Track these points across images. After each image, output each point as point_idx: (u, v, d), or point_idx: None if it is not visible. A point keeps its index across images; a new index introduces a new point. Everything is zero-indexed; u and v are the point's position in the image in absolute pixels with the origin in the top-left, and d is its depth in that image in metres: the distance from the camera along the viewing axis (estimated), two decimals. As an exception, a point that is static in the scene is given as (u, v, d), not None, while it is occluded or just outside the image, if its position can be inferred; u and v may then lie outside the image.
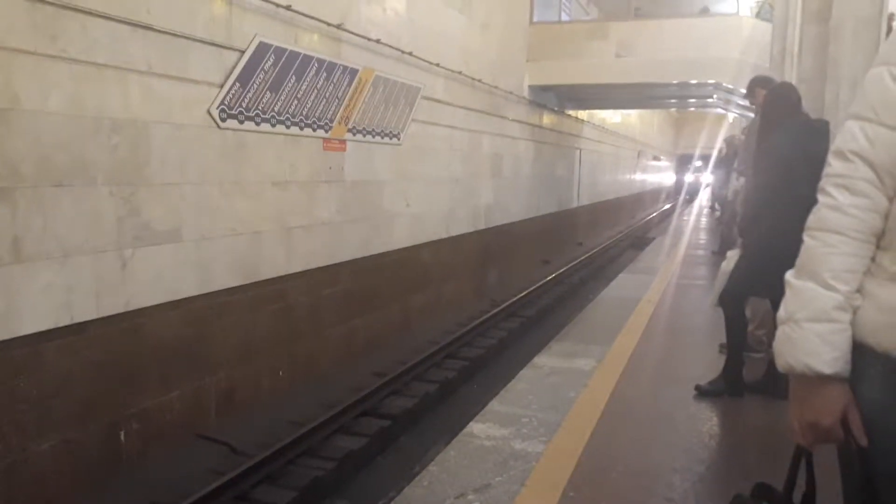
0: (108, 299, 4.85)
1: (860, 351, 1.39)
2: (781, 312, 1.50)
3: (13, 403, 4.19)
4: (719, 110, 19.89)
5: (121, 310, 4.95)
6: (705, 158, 35.25)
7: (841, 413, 1.40)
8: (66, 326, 4.52)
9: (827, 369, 1.40)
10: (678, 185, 44.18)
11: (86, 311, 4.67)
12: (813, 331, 1.42)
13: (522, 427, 3.56)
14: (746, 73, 10.44)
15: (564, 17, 16.97)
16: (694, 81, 13.93)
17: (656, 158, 38.63)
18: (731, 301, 3.99)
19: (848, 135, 1.43)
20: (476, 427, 3.55)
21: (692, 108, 23.72)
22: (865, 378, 1.37)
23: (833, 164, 1.46)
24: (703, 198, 27.92)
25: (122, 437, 4.98)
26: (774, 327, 4.23)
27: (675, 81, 14.15)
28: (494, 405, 3.88)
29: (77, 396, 4.62)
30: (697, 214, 19.99)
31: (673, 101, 19.78)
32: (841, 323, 1.40)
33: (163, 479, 4.92)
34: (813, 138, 3.74)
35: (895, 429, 1.32)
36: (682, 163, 44.79)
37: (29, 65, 4.26)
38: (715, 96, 15.91)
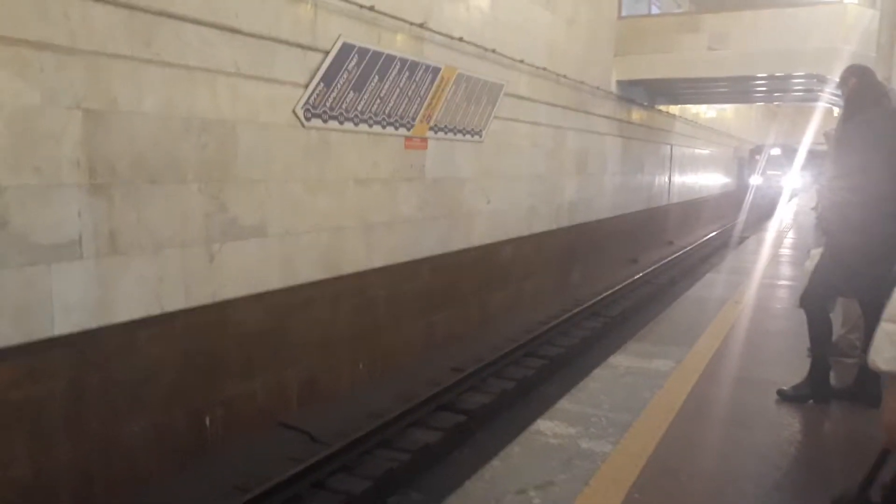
0: (197, 291, 5.09)
1: None
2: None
3: (107, 387, 4.47)
4: (821, 103, 18.92)
5: (208, 301, 5.19)
6: (790, 151, 26.05)
7: None
8: (156, 316, 4.79)
9: (884, 365, 1.51)
10: (741, 191, 28.92)
11: (175, 301, 4.92)
12: (884, 330, 1.53)
13: (591, 426, 3.50)
14: (854, 64, 9.88)
15: (654, 11, 16.55)
16: (793, 73, 13.31)
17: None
18: (813, 302, 3.80)
19: None
20: (543, 424, 3.52)
21: (791, 102, 22.60)
22: None
23: None
24: (789, 212, 18.40)
25: (208, 423, 5.22)
26: (867, 330, 4.01)
27: (772, 74, 13.55)
28: (564, 403, 3.83)
29: (166, 383, 4.88)
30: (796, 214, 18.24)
31: (770, 94, 18.92)
32: None
33: (244, 464, 5.13)
34: (887, 129, 3.52)
35: None
36: (753, 156, 30.29)
37: (126, 69, 4.53)
38: (816, 89, 15.14)
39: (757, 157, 29.26)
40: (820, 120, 15.49)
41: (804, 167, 23.36)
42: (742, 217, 21.48)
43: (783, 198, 24.17)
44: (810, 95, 16.69)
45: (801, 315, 3.94)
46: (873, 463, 1.57)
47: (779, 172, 28.10)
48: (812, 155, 19.16)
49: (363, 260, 6.94)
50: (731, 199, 28.46)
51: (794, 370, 4.26)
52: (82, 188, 4.28)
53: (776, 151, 28.52)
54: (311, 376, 6.30)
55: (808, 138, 17.54)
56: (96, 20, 4.33)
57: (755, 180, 28.16)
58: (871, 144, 3.55)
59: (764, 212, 22.23)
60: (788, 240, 12.22)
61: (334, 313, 6.57)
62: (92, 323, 4.36)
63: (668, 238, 18.82)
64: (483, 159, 9.09)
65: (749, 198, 24.15)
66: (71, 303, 4.24)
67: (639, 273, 13.62)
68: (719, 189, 28.05)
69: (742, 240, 15.49)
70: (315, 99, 6.12)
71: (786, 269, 8.91)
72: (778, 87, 16.19)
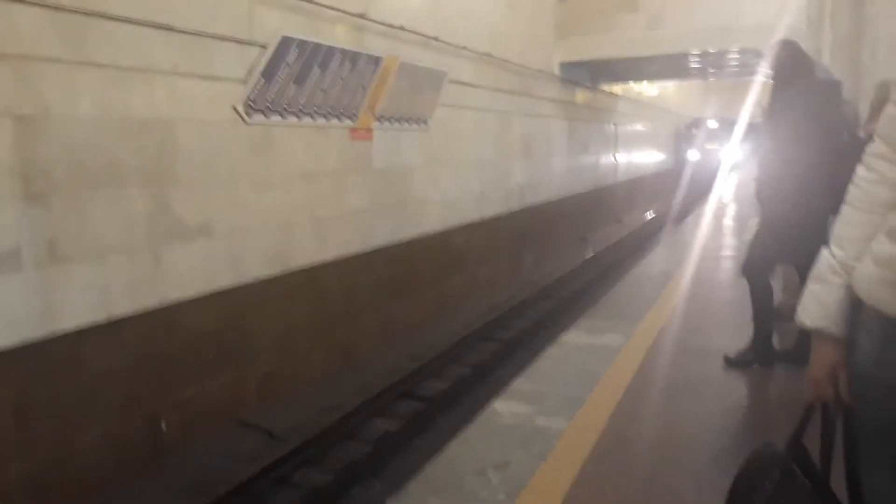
0: (144, 295, 5.01)
1: (859, 306, 1.48)
2: None
3: (57, 399, 4.38)
4: (758, 77, 19.38)
5: (156, 305, 5.11)
6: (728, 124, 25.04)
7: (829, 368, 1.54)
8: (104, 323, 4.70)
9: (809, 322, 1.57)
10: (679, 168, 25.91)
11: (122, 306, 4.84)
12: (810, 289, 1.60)
13: (546, 404, 3.57)
14: (782, 37, 10.15)
15: (594, -8, 16.70)
16: (729, 49, 13.62)
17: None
18: (754, 270, 3.93)
19: (884, 117, 1.55)
20: (499, 405, 3.58)
21: (730, 77, 23.06)
22: (863, 331, 1.47)
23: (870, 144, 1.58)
24: (729, 187, 18.24)
25: (164, 427, 5.15)
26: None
27: (709, 50, 13.84)
28: (519, 383, 3.90)
29: (117, 389, 4.80)
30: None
31: (709, 69, 19.32)
32: (831, 284, 1.58)
33: (205, 466, 5.08)
34: (819, 100, 3.66)
35: (888, 381, 1.39)
36: (690, 130, 28.05)
37: (57, 72, 4.41)
38: (752, 63, 15.52)
39: (694, 130, 27.75)
40: (757, 92, 15.85)
41: (743, 140, 23.01)
42: (681, 194, 20.12)
43: (722, 172, 22.99)
44: (747, 70, 17.09)
45: (745, 284, 4.08)
46: (800, 419, 1.65)
47: (717, 146, 27.02)
48: (751, 127, 19.50)
49: (315, 254, 6.90)
50: (674, 175, 26.12)
51: (739, 337, 4.40)
52: (17, 197, 4.17)
53: (714, 125, 27.23)
54: (269, 373, 6.26)
55: (746, 111, 17.83)
56: (22, 22, 4.19)
57: (693, 155, 26.31)
58: (801, 116, 3.68)
59: (704, 187, 21.60)
60: (730, 212, 12.54)
61: (289, 308, 6.54)
62: (36, 334, 4.26)
63: (617, 216, 19.13)
64: (430, 147, 9.10)
65: (687, 174, 22.35)
66: (13, 315, 4.13)
67: (589, 253, 13.83)
68: (664, 166, 28.43)
69: (684, 215, 15.83)
70: (256, 94, 6.04)
71: (728, 241, 9.17)
72: (715, 62, 16.54)
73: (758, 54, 13.75)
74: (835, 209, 3.91)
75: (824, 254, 1.61)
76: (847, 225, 1.57)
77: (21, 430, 4.19)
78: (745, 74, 18.97)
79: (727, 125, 25.78)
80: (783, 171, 3.76)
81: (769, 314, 4.08)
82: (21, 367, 4.19)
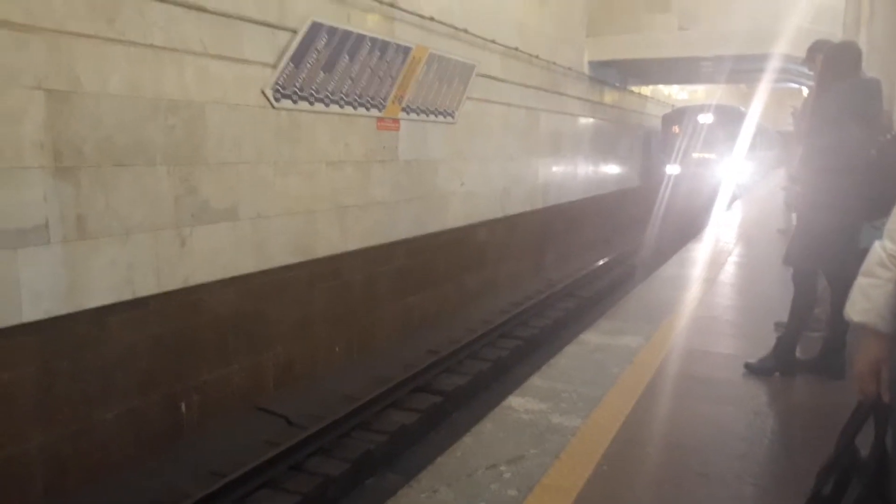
0: (169, 275, 5.05)
1: None
2: None
3: (80, 373, 4.43)
4: (791, 84, 19.06)
5: (180, 286, 5.15)
6: (732, 118, 16.94)
7: (874, 364, 1.53)
8: (128, 301, 4.74)
9: (856, 317, 1.58)
10: (646, 190, 17.94)
11: (147, 286, 4.88)
12: (859, 283, 1.60)
13: (562, 402, 3.54)
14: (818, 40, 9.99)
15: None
16: (763, 53, 13.41)
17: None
18: (805, 276, 3.87)
19: None
20: (514, 401, 3.55)
21: (762, 83, 22.69)
22: None
23: None
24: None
25: (183, 408, 5.20)
26: (831, 304, 4.06)
27: (742, 54, 13.65)
28: (535, 380, 3.87)
29: (139, 368, 4.84)
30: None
31: (741, 74, 19.03)
32: (879, 279, 1.54)
33: (221, 448, 5.12)
34: (864, 98, 3.59)
35: None
36: (670, 128, 18.17)
37: (89, 49, 4.45)
38: (785, 69, 15.27)
39: (675, 128, 17.86)
40: (795, 101, 15.33)
41: (754, 147, 16.23)
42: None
43: (719, 201, 14.93)
44: (783, 76, 16.80)
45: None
46: (850, 418, 1.61)
47: (712, 155, 17.18)
48: (763, 131, 18.00)
49: (338, 243, 6.92)
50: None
51: (761, 344, 4.34)
52: (47, 171, 4.21)
53: (707, 118, 17.49)
54: (288, 360, 6.29)
55: (760, 102, 16.53)
56: (55, -3, 4.23)
57: (672, 169, 17.25)
58: (841, 111, 3.61)
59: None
60: (759, 218, 12.35)
61: (310, 297, 6.56)
62: (62, 309, 4.31)
63: (641, 218, 18.91)
64: (456, 141, 9.08)
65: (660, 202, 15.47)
66: (39, 289, 4.18)
67: (611, 254, 13.72)
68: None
69: (709, 222, 15.54)
70: (284, 79, 6.06)
71: (754, 248, 9.04)
72: (751, 67, 16.28)
73: (789, 59, 13.53)
74: (870, 216, 3.84)
75: (876, 247, 1.59)
76: None
77: (43, 403, 4.25)
78: (780, 81, 18.63)
79: (730, 119, 17.12)
80: (820, 179, 3.70)
81: (805, 324, 4.02)
82: (45, 341, 4.24)
